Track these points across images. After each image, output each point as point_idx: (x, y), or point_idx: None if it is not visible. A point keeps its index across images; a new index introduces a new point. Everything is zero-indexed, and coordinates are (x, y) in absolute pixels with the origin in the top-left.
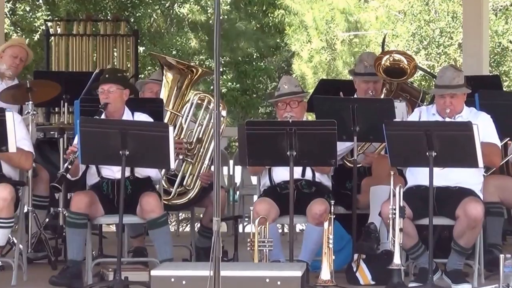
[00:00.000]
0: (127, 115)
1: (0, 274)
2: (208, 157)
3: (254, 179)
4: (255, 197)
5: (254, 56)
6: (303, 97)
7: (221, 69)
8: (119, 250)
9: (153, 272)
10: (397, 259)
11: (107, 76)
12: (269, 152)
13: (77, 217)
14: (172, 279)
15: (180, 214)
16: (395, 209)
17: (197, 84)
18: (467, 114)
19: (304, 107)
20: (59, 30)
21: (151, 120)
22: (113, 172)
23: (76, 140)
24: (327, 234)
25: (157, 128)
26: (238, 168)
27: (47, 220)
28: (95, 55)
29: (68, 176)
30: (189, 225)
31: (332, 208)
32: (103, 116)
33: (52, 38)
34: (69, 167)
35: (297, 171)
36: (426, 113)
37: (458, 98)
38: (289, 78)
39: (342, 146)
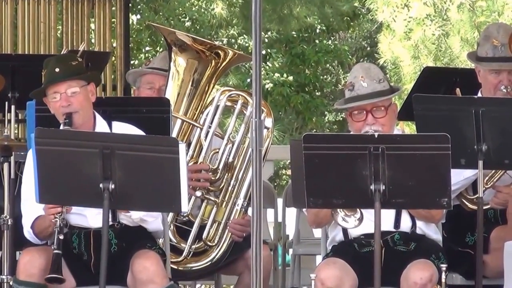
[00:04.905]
0: (101, 126)
1: None
2: (243, 194)
3: (317, 230)
4: (319, 258)
5: (317, 30)
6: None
7: (263, 52)
8: None
9: None
10: None
11: (57, 70)
12: (341, 186)
13: None
14: None
15: (199, 285)
16: None
17: (225, 75)
18: None
19: (395, 113)
20: None
21: (142, 133)
22: (88, 217)
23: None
24: None
25: (161, 146)
26: (291, 212)
27: None
28: (60, 27)
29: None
30: None
31: (444, 275)
32: None
33: None
34: (61, 237)
35: (388, 218)
36: None
37: None
38: (367, 68)
39: (459, 176)
